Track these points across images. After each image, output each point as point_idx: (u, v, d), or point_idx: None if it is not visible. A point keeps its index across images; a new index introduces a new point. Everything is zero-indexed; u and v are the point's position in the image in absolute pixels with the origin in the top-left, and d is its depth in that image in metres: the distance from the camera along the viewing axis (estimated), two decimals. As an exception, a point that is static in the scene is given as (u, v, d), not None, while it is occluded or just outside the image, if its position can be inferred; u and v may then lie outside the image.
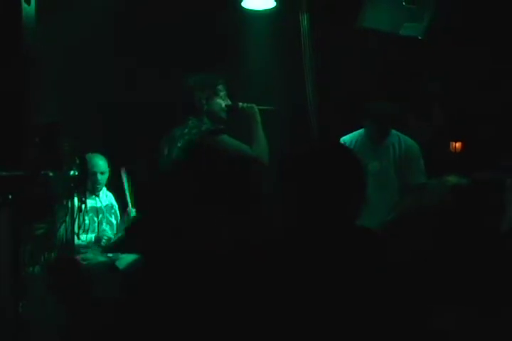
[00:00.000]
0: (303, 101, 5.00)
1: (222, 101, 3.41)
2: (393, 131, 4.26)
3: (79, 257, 3.69)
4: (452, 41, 4.74)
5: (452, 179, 2.35)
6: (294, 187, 1.67)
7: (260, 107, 3.45)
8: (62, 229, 2.82)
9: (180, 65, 4.50)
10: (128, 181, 4.22)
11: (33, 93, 2.90)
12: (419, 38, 4.31)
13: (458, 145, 5.03)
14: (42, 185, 2.72)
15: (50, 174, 2.81)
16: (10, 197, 2.59)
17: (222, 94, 3.42)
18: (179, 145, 3.24)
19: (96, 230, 4.16)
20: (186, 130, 3.27)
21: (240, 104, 3.44)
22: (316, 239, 1.63)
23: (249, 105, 3.43)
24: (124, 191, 4.19)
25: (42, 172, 2.76)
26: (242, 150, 3.25)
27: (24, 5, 2.64)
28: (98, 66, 4.82)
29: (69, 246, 2.89)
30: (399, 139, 4.24)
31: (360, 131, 4.31)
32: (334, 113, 5.00)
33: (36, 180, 2.70)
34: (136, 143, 4.75)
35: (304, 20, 4.76)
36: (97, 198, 4.24)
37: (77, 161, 3.76)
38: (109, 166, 4.28)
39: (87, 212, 3.77)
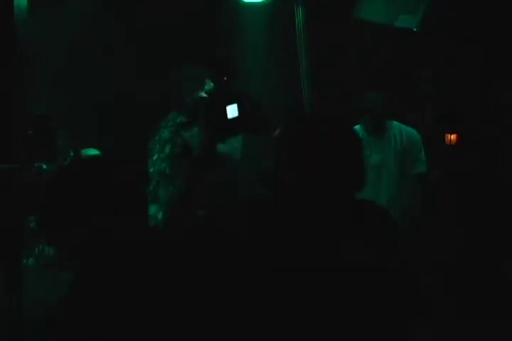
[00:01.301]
0: (298, 95, 4.99)
1: (205, 95, 3.40)
2: (394, 123, 4.22)
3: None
4: (446, 38, 4.73)
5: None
6: (290, 159, 1.67)
7: None
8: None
9: (175, 59, 4.49)
10: None
11: (26, 86, 2.89)
12: (415, 30, 4.29)
13: (453, 137, 5.03)
14: (35, 177, 2.71)
15: (44, 166, 2.80)
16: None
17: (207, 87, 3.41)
18: (156, 138, 3.28)
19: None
20: (164, 123, 3.30)
21: None
22: (313, 211, 1.63)
23: None
24: None
25: (35, 165, 2.75)
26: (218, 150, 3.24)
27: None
28: (95, 63, 4.82)
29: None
30: (400, 130, 4.19)
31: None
32: (330, 106, 4.99)
33: (30, 172, 2.69)
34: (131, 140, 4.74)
35: (299, 13, 4.75)
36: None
37: (72, 153, 3.75)
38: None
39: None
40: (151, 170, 3.29)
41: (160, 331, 1.52)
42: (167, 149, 3.25)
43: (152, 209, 3.21)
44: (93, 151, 4.23)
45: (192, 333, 1.53)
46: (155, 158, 3.29)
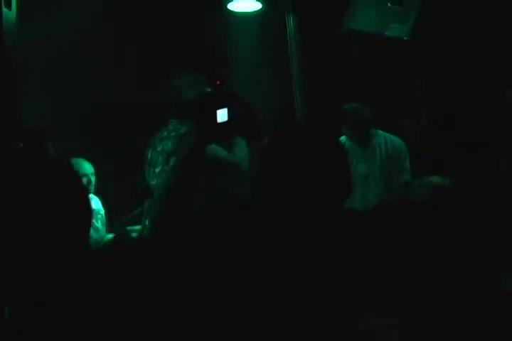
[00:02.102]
0: (290, 104, 5.00)
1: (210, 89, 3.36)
2: (379, 132, 4.25)
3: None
4: (438, 45, 4.75)
5: (435, 179, 2.34)
6: (277, 169, 1.69)
7: None
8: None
9: (167, 69, 4.49)
10: None
11: (16, 98, 2.88)
12: (405, 38, 4.32)
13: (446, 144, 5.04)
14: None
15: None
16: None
17: None
18: (159, 149, 3.20)
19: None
20: (165, 133, 3.23)
21: None
22: (299, 219, 1.66)
23: None
24: None
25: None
26: (221, 156, 3.21)
27: (4, 9, 2.63)
28: (86, 69, 4.82)
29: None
30: (385, 139, 4.22)
31: None
32: (322, 115, 5.00)
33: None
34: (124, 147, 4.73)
35: (290, 22, 4.76)
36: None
37: (63, 165, 3.74)
38: (95, 170, 4.27)
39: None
40: (154, 182, 3.22)
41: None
42: (172, 161, 3.18)
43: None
44: (82, 161, 4.24)
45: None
46: (158, 170, 3.20)
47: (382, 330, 1.60)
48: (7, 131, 2.92)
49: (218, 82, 3.22)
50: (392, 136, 4.25)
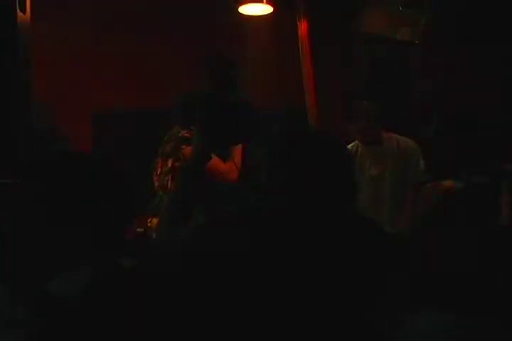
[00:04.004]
0: (301, 106, 5.01)
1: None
2: (391, 134, 4.23)
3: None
4: (448, 44, 4.75)
5: (447, 183, 2.34)
6: (281, 171, 1.72)
7: None
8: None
9: (177, 72, 4.53)
10: None
11: (29, 99, 2.92)
12: (416, 42, 4.31)
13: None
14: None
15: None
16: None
17: None
18: (160, 152, 3.32)
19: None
20: (166, 137, 3.35)
21: None
22: (304, 221, 1.68)
23: None
24: None
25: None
26: (214, 163, 3.25)
27: (20, 14, 2.66)
28: (92, 70, 4.86)
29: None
30: (397, 142, 4.21)
31: None
32: (334, 117, 5.00)
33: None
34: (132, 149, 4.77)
35: (302, 24, 4.76)
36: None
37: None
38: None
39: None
40: (156, 184, 3.34)
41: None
42: (169, 163, 3.29)
43: (154, 222, 3.24)
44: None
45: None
46: (159, 172, 3.34)
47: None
48: (19, 129, 2.95)
49: (227, 86, 3.27)
50: (405, 138, 4.22)
